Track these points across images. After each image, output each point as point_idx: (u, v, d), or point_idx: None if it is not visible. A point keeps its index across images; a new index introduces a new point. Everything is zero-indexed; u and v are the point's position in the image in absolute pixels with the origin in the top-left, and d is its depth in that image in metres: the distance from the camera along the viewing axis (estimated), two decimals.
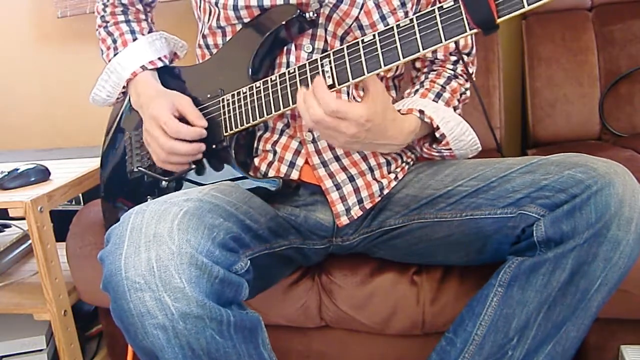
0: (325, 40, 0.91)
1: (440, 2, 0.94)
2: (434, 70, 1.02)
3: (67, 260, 1.15)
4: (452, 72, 1.01)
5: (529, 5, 0.67)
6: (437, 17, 0.72)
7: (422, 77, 1.01)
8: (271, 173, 0.94)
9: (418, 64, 1.04)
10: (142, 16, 1.09)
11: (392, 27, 0.75)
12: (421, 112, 0.89)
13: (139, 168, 1.00)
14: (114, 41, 1.04)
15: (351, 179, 0.94)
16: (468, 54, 1.02)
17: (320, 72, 0.80)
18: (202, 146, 0.92)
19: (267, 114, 0.87)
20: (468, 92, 1.03)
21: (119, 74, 1.02)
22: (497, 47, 1.53)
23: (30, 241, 1.17)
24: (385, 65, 0.76)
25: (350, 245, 0.99)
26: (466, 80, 1.02)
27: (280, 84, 0.85)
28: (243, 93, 0.90)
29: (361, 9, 0.87)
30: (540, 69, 1.52)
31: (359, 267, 1.03)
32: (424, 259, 1.00)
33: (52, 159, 1.42)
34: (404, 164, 0.99)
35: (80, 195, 1.48)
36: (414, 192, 0.95)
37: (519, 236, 0.85)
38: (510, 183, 0.86)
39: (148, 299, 0.65)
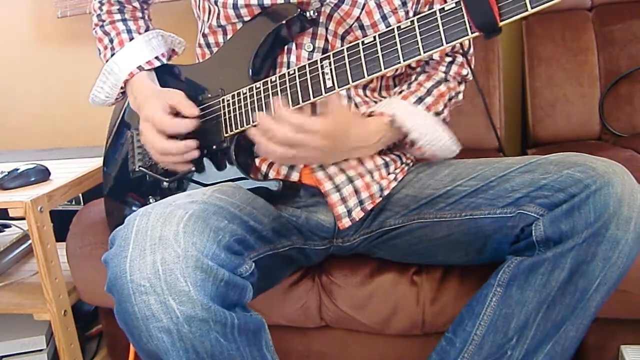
0: (326, 39, 0.91)
1: (438, 2, 0.95)
2: (425, 72, 1.02)
3: (67, 260, 1.15)
4: (444, 75, 1.01)
5: (532, 8, 0.66)
6: (439, 19, 0.72)
7: (412, 78, 1.01)
8: (271, 174, 0.94)
9: (413, 63, 1.04)
10: (139, 14, 1.09)
11: (393, 29, 0.75)
12: (393, 116, 0.90)
13: (141, 168, 1.00)
14: (111, 41, 1.04)
15: (350, 180, 0.93)
16: (464, 55, 1.02)
17: (320, 74, 0.80)
18: (195, 142, 0.91)
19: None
20: (460, 96, 1.03)
21: (116, 75, 1.01)
22: (497, 47, 1.53)
23: (30, 241, 1.17)
24: (385, 68, 0.76)
25: (351, 246, 0.99)
26: (460, 83, 1.03)
27: (280, 86, 0.85)
28: (243, 94, 0.90)
29: (362, 9, 0.87)
30: (540, 69, 1.52)
31: (359, 267, 1.03)
32: (424, 259, 1.00)
33: (52, 159, 1.42)
34: (403, 165, 0.99)
35: (80, 195, 1.48)
36: (414, 192, 0.95)
37: (518, 236, 0.85)
38: (509, 182, 0.86)
39: (153, 302, 0.65)
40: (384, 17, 0.89)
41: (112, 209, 1.09)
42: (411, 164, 1.01)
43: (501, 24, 0.68)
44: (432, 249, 0.95)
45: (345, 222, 0.93)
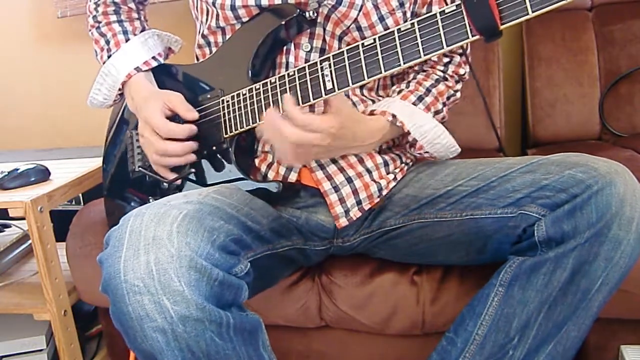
0: (324, 40, 0.91)
1: (435, 3, 0.95)
2: (424, 71, 1.02)
3: (67, 260, 1.15)
4: (442, 74, 1.01)
5: (533, 12, 0.66)
6: (439, 22, 0.71)
7: (411, 76, 1.01)
8: (271, 174, 0.94)
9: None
10: (135, 15, 1.08)
11: (393, 32, 0.75)
12: (394, 116, 0.90)
13: (140, 168, 1.00)
14: (107, 42, 1.04)
15: (349, 180, 0.93)
16: (461, 54, 1.02)
17: (320, 76, 0.80)
18: (194, 144, 0.92)
19: None
20: (458, 94, 1.03)
21: (113, 76, 1.01)
22: (497, 47, 1.53)
23: (30, 241, 1.17)
24: (385, 71, 0.75)
25: (351, 246, 0.99)
26: (457, 82, 1.03)
27: (279, 87, 0.85)
28: (243, 95, 0.89)
29: (360, 11, 0.87)
30: (540, 69, 1.52)
31: (359, 267, 1.03)
32: (424, 259, 1.00)
33: (52, 159, 1.42)
34: (403, 165, 0.98)
35: (80, 195, 1.48)
36: (414, 192, 0.95)
37: (519, 236, 0.85)
38: (510, 183, 0.86)
39: (147, 302, 0.65)
40: (381, 19, 0.89)
41: (112, 209, 1.09)
42: (411, 163, 1.01)
43: (502, 27, 0.68)
44: (432, 249, 0.95)
45: (343, 222, 0.93)
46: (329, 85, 0.79)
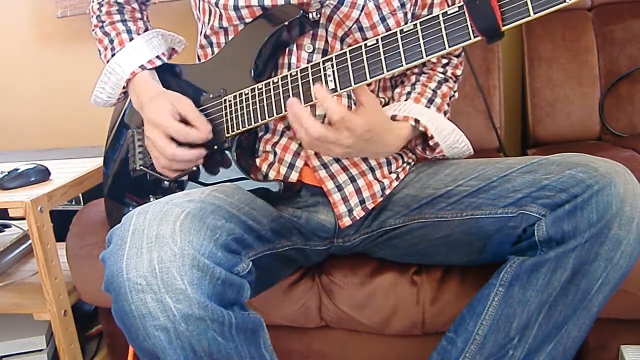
0: (326, 41, 0.91)
1: (436, 5, 0.95)
2: (425, 73, 1.02)
3: (67, 260, 1.15)
4: (443, 76, 1.02)
5: (534, 14, 0.66)
6: (441, 23, 0.72)
7: (413, 79, 1.01)
8: (271, 174, 0.94)
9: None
10: (138, 15, 1.09)
11: (396, 32, 0.75)
12: (416, 121, 0.90)
13: (141, 167, 1.00)
14: (111, 41, 1.04)
15: (352, 179, 0.94)
16: (458, 55, 1.03)
17: (322, 76, 0.80)
18: (204, 151, 0.92)
19: (269, 117, 0.87)
20: (456, 95, 1.04)
21: (118, 75, 1.01)
22: (497, 47, 1.53)
23: (30, 241, 1.17)
24: (387, 71, 0.76)
25: (351, 246, 1.00)
26: (455, 83, 1.03)
27: (282, 87, 0.85)
28: (245, 94, 0.90)
29: (362, 11, 0.87)
30: (540, 69, 1.52)
31: (359, 267, 1.03)
32: (424, 259, 1.00)
33: (52, 159, 1.42)
34: (405, 164, 0.99)
35: (80, 195, 1.48)
36: (414, 191, 0.95)
37: (519, 236, 0.85)
38: (510, 183, 0.86)
39: (150, 301, 0.65)
40: (382, 19, 0.89)
41: (112, 209, 1.09)
42: (412, 162, 1.01)
43: (503, 28, 0.68)
44: (432, 248, 0.95)
45: (346, 221, 0.93)
46: (331, 85, 0.80)
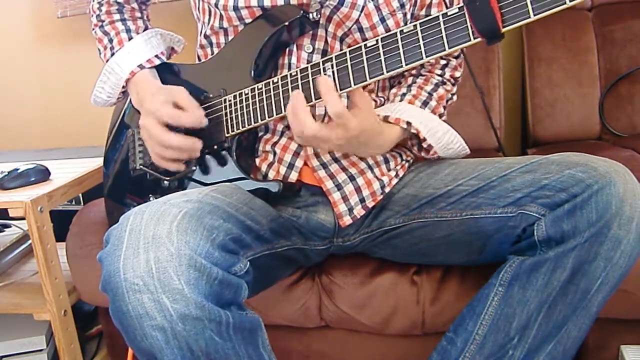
0: (326, 41, 0.91)
1: (434, 6, 0.95)
2: (422, 75, 1.02)
3: (67, 260, 1.15)
4: (440, 78, 1.01)
5: (534, 15, 0.67)
6: (441, 24, 0.72)
7: (410, 80, 1.01)
8: (271, 174, 0.94)
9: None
10: (138, 14, 1.09)
11: (396, 33, 0.75)
12: (408, 124, 0.90)
13: (141, 166, 1.00)
14: (110, 40, 1.04)
15: (352, 178, 0.94)
16: (457, 57, 1.03)
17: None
18: (198, 142, 0.91)
19: (269, 117, 0.87)
20: (455, 97, 1.04)
21: (117, 74, 1.01)
22: (497, 48, 1.53)
23: (30, 241, 1.17)
24: (387, 72, 0.76)
25: (351, 245, 1.00)
26: (453, 85, 1.03)
27: (282, 87, 0.85)
28: (245, 94, 0.90)
29: (361, 12, 0.87)
30: (540, 69, 1.52)
31: (359, 267, 1.03)
32: (424, 259, 1.00)
33: (52, 159, 1.42)
34: (403, 162, 0.99)
35: (80, 195, 1.48)
36: (414, 191, 0.95)
37: (519, 236, 0.85)
38: (510, 182, 0.86)
39: (147, 301, 0.65)
40: (382, 20, 0.89)
41: (112, 208, 1.09)
42: (411, 160, 1.01)
43: (503, 30, 0.68)
44: (432, 248, 0.95)
45: (347, 220, 0.93)
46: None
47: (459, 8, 0.71)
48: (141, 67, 1.00)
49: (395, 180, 0.96)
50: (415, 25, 0.74)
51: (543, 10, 0.66)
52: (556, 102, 1.51)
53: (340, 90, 0.79)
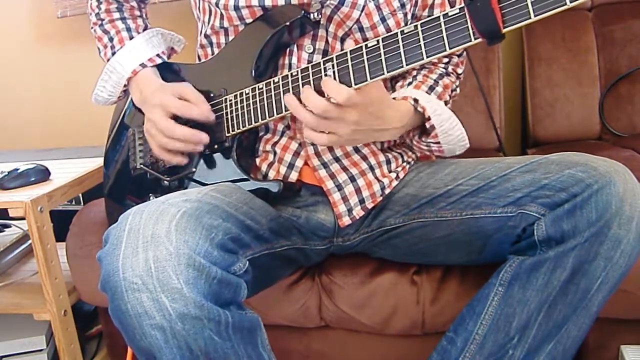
0: (326, 41, 0.91)
1: (437, 6, 0.95)
2: (426, 68, 1.02)
3: (67, 260, 1.15)
4: (444, 70, 1.01)
5: (535, 16, 0.67)
6: (442, 24, 0.72)
7: (415, 72, 1.01)
8: (271, 174, 0.94)
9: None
10: (137, 12, 1.09)
11: (396, 34, 0.75)
12: (415, 100, 0.88)
13: (142, 165, 1.01)
14: (111, 39, 1.04)
15: (352, 179, 0.94)
16: (459, 55, 1.03)
17: (323, 76, 0.80)
18: (203, 135, 0.91)
19: (269, 117, 0.87)
20: (458, 90, 1.03)
21: (119, 73, 1.01)
22: (497, 47, 1.53)
23: (30, 241, 1.17)
24: (388, 72, 0.76)
25: (351, 245, 1.00)
26: (457, 78, 1.03)
27: (282, 87, 0.85)
28: (246, 94, 0.90)
29: (362, 11, 0.87)
30: (540, 69, 1.52)
31: (359, 267, 1.03)
32: (424, 259, 1.00)
33: (52, 159, 1.42)
34: (404, 164, 0.99)
35: (80, 195, 1.48)
36: (414, 191, 0.95)
37: (519, 235, 0.85)
38: (510, 182, 0.86)
39: (145, 300, 0.65)
40: (382, 19, 0.89)
41: (112, 207, 1.09)
42: (412, 162, 1.01)
43: (504, 30, 0.68)
44: (432, 248, 0.95)
45: (346, 221, 0.93)
46: None
47: (459, 8, 0.71)
48: (143, 65, 1.00)
49: (395, 182, 0.96)
50: (416, 26, 0.74)
51: (544, 11, 0.67)
52: (556, 102, 1.51)
53: None
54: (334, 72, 0.79)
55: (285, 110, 0.85)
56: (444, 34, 0.72)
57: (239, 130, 0.91)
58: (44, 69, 1.96)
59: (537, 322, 0.80)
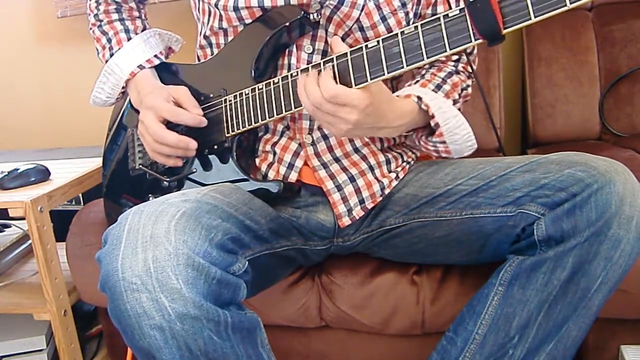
0: (326, 42, 0.91)
1: (440, 3, 0.95)
2: (435, 66, 1.01)
3: (67, 260, 1.15)
4: (454, 68, 1.01)
5: (535, 17, 0.67)
6: (442, 25, 0.72)
7: (423, 71, 1.01)
8: (271, 174, 0.94)
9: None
10: (136, 13, 1.09)
11: (397, 34, 0.75)
12: (419, 98, 0.87)
13: (141, 166, 1.01)
14: (109, 40, 1.04)
15: (352, 179, 0.94)
16: (470, 53, 1.02)
17: None
18: (193, 142, 0.91)
19: (269, 117, 0.87)
20: (470, 89, 1.02)
21: (117, 75, 1.01)
22: (497, 48, 1.53)
23: (30, 241, 1.17)
24: (388, 73, 0.76)
25: (351, 245, 1.00)
26: (468, 77, 1.02)
27: (282, 87, 0.85)
28: (245, 94, 0.90)
29: (362, 11, 0.87)
30: (540, 69, 1.52)
31: (359, 267, 1.03)
32: (424, 259, 1.00)
33: (52, 159, 1.42)
34: (404, 164, 0.99)
35: (80, 195, 1.48)
36: (414, 191, 0.95)
37: (518, 235, 0.85)
38: (509, 182, 0.86)
39: (145, 300, 0.65)
40: (383, 19, 0.89)
41: (111, 208, 1.09)
42: (412, 162, 1.01)
43: (504, 31, 0.68)
44: (432, 248, 0.95)
45: (345, 221, 0.93)
46: None
47: (459, 9, 0.71)
48: (141, 67, 1.00)
49: (395, 182, 0.96)
50: (416, 26, 0.74)
51: (544, 11, 0.67)
52: (556, 102, 1.51)
53: None
54: (334, 72, 0.79)
55: (285, 111, 0.85)
56: (445, 34, 0.72)
57: (238, 131, 0.91)
58: (44, 69, 1.96)
59: (537, 321, 0.80)
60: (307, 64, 0.84)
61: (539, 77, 1.52)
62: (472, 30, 0.70)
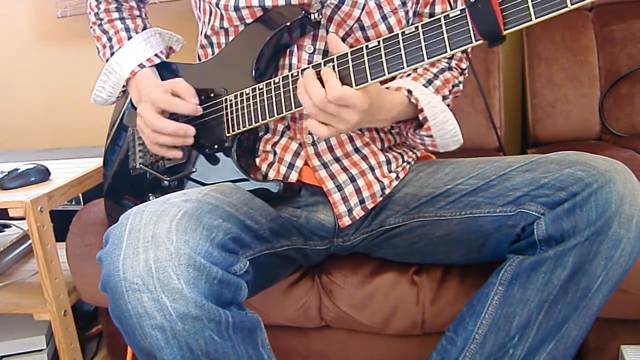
0: (327, 41, 0.91)
1: (439, 3, 0.95)
2: None
3: (67, 260, 1.15)
4: (447, 65, 1.01)
5: (536, 18, 0.67)
6: (443, 26, 0.72)
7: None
8: (271, 174, 0.94)
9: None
10: (136, 12, 1.09)
11: (397, 35, 0.75)
12: (409, 91, 0.88)
13: (141, 165, 1.01)
14: (109, 39, 1.04)
15: (352, 179, 0.94)
16: (463, 51, 1.02)
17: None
18: (190, 128, 0.91)
19: (270, 117, 0.87)
20: (461, 86, 1.03)
21: (117, 74, 1.01)
22: (497, 48, 1.53)
23: (30, 241, 1.17)
24: (389, 73, 0.76)
25: (351, 245, 1.00)
26: (460, 74, 1.02)
27: (283, 87, 0.85)
28: (246, 94, 0.90)
29: (362, 10, 0.87)
30: (540, 69, 1.52)
31: (359, 267, 1.03)
32: (424, 258, 1.00)
33: (52, 159, 1.42)
34: (404, 164, 0.99)
35: (80, 195, 1.48)
36: (414, 190, 0.95)
37: (518, 234, 0.85)
38: (509, 181, 0.86)
39: (146, 300, 0.65)
40: (384, 18, 0.89)
41: (112, 207, 1.09)
42: (412, 162, 1.01)
43: (505, 32, 0.68)
44: (432, 247, 0.95)
45: (346, 221, 0.93)
46: None
47: (460, 10, 0.71)
48: (141, 66, 1.00)
49: (395, 182, 0.96)
50: (417, 27, 0.74)
51: (545, 12, 0.67)
52: (556, 102, 1.51)
53: None
54: (334, 72, 0.79)
55: (286, 111, 0.85)
56: (445, 35, 0.72)
57: (239, 131, 0.91)
58: (44, 69, 1.96)
59: (537, 321, 0.80)
60: (308, 64, 0.84)
61: (539, 77, 1.52)
62: (473, 31, 0.70)
